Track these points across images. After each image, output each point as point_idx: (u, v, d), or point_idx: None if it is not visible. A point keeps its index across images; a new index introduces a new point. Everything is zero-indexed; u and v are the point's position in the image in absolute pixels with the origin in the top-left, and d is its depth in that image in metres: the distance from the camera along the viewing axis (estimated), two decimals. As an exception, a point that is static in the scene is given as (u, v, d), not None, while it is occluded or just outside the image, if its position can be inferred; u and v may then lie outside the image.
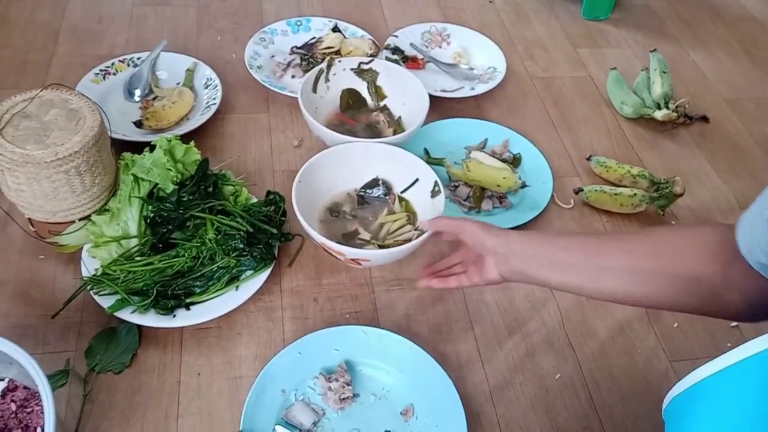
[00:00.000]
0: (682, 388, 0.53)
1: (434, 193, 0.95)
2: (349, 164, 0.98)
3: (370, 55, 1.24)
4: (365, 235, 0.95)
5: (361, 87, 1.15)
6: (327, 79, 1.12)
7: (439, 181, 0.94)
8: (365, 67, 1.14)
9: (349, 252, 0.85)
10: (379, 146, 0.99)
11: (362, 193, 0.99)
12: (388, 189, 1.00)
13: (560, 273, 0.72)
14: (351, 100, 1.14)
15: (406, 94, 1.12)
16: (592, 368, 0.88)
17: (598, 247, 0.71)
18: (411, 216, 0.98)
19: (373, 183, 1.00)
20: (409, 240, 0.92)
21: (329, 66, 1.12)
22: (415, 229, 0.95)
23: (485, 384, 0.85)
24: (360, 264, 0.89)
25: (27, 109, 0.84)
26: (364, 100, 1.15)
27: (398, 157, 0.98)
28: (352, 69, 1.14)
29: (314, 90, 1.10)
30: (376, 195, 1.00)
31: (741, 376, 0.48)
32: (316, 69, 1.10)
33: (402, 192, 0.99)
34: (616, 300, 0.71)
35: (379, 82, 1.14)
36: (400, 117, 1.12)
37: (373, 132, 1.11)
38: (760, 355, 0.47)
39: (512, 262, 0.76)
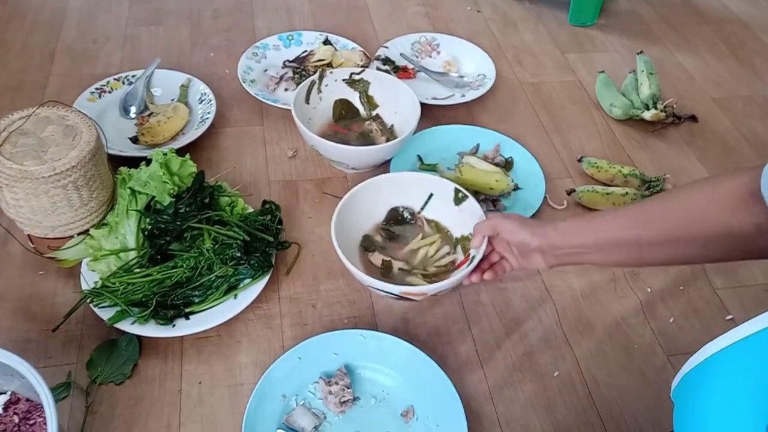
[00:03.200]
0: (692, 365, 0.53)
1: (459, 200, 0.94)
2: (362, 208, 0.95)
3: (362, 67, 1.26)
4: (399, 265, 0.93)
5: (354, 97, 1.17)
6: (319, 90, 1.14)
7: (460, 187, 0.94)
8: (356, 77, 1.16)
9: (412, 290, 0.83)
10: (383, 179, 0.96)
11: (387, 227, 0.97)
12: (412, 214, 0.99)
13: (603, 255, 0.77)
14: (344, 110, 1.16)
15: (397, 103, 1.13)
16: (590, 365, 0.89)
17: (631, 225, 0.74)
18: (445, 236, 0.97)
19: (394, 213, 0.98)
20: (453, 262, 0.93)
21: (321, 77, 1.13)
22: (455, 246, 0.95)
23: (484, 384, 0.85)
24: (414, 299, 0.88)
25: (24, 126, 0.86)
26: (356, 109, 1.17)
27: (404, 179, 0.98)
28: (343, 80, 1.15)
29: (307, 101, 1.12)
30: (402, 222, 0.98)
31: (752, 350, 0.48)
32: (308, 81, 1.12)
33: (419, 211, 0.98)
34: (661, 264, 0.81)
35: (370, 92, 1.16)
36: (392, 125, 1.14)
37: (366, 140, 1.12)
38: (763, 332, 0.47)
39: (558, 255, 0.79)
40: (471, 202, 0.93)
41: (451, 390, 0.81)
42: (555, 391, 0.86)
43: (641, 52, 1.30)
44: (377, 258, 0.94)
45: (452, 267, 0.93)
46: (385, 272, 0.92)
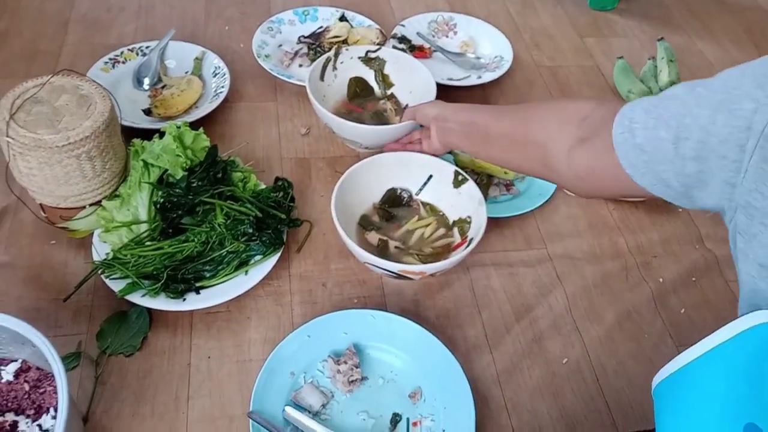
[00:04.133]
0: (667, 372, 0.54)
1: (458, 183, 0.95)
2: (362, 186, 0.96)
3: (377, 44, 1.25)
4: (395, 244, 0.94)
5: (369, 75, 1.15)
6: (334, 68, 1.12)
7: (460, 170, 0.95)
8: (372, 55, 1.14)
9: (407, 269, 0.84)
10: (384, 158, 0.98)
11: (383, 207, 0.98)
12: (410, 195, 1.00)
13: (468, 142, 0.88)
14: (358, 88, 1.15)
15: (413, 82, 1.12)
16: (599, 353, 0.88)
17: (491, 116, 0.85)
18: (440, 218, 0.98)
19: (391, 193, 0.99)
20: (449, 245, 0.94)
21: (336, 54, 1.12)
22: (450, 230, 0.96)
23: (493, 368, 0.85)
24: (412, 278, 0.89)
25: (38, 94, 0.85)
26: (371, 88, 1.16)
27: (406, 160, 0.98)
28: (359, 57, 1.14)
29: (321, 78, 1.11)
30: (399, 203, 0.99)
31: (725, 357, 0.49)
32: (324, 57, 1.11)
33: (417, 193, 0.99)
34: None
35: (386, 71, 1.15)
36: (407, 105, 1.12)
37: (380, 120, 1.11)
38: (740, 335, 0.48)
39: (445, 134, 0.90)
40: (470, 185, 0.94)
41: (460, 373, 0.80)
42: (563, 377, 0.86)
43: (662, 38, 1.27)
44: (374, 237, 0.94)
45: (449, 249, 0.94)
46: (381, 252, 0.93)
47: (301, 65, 1.24)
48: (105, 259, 0.86)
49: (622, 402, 0.84)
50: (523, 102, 1.23)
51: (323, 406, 0.78)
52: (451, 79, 1.23)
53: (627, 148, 0.61)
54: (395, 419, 0.79)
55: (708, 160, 0.54)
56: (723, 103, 0.53)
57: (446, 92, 1.18)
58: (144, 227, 0.89)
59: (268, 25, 1.28)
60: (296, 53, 1.25)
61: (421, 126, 0.99)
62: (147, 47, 1.19)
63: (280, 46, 1.26)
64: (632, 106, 0.62)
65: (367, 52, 1.14)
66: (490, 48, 1.32)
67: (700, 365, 0.50)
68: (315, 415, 0.78)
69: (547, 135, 0.73)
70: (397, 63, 1.14)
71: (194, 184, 0.91)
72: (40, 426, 0.71)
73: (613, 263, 0.99)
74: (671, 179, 0.58)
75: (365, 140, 1.05)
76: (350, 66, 1.14)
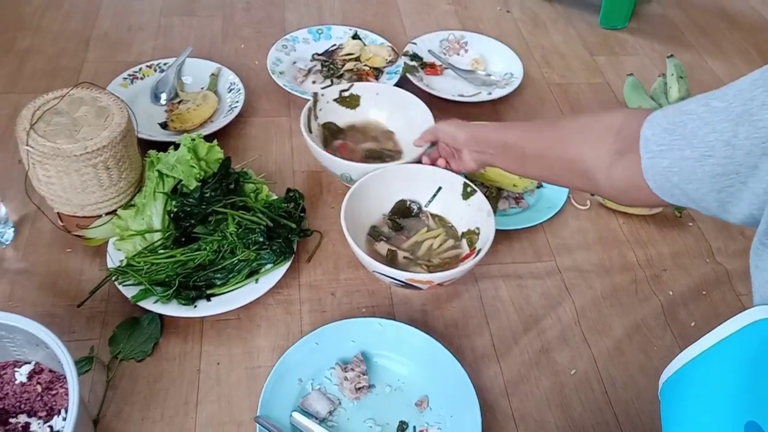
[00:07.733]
0: (672, 370, 0.54)
1: (467, 195, 0.96)
2: (372, 197, 0.97)
3: (389, 62, 1.27)
4: (404, 254, 0.95)
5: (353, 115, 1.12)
6: (316, 116, 1.09)
7: (468, 182, 0.96)
8: (346, 94, 1.11)
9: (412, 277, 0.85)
10: (393, 169, 0.98)
11: (393, 218, 0.99)
12: (419, 207, 1.00)
13: (503, 157, 0.87)
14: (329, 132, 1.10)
15: (405, 115, 1.10)
16: (608, 365, 0.88)
17: (523, 135, 0.85)
18: (449, 230, 0.98)
19: (401, 205, 1.00)
20: (458, 255, 0.95)
21: (315, 102, 1.08)
22: (459, 241, 0.97)
23: (500, 378, 0.85)
24: (420, 287, 0.89)
25: (58, 106, 0.88)
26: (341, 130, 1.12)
27: (415, 172, 0.99)
28: (334, 99, 1.10)
29: (309, 130, 1.06)
30: (408, 215, 1.00)
31: (721, 356, 0.50)
32: (306, 109, 1.06)
33: (427, 205, 1.00)
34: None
35: (367, 105, 1.12)
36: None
37: (376, 156, 1.08)
38: (741, 332, 0.49)
39: (478, 151, 0.90)
40: (479, 197, 0.95)
41: (467, 382, 0.81)
42: (571, 388, 0.85)
43: (671, 55, 1.28)
44: (383, 247, 0.95)
45: (457, 259, 0.94)
46: (390, 261, 0.93)
47: (314, 81, 1.26)
48: (119, 266, 0.88)
49: (631, 414, 0.83)
50: (537, 117, 1.25)
51: (330, 412, 0.79)
52: (461, 96, 1.24)
53: (655, 172, 0.61)
54: (402, 427, 0.79)
55: (738, 174, 0.54)
56: (742, 115, 0.52)
57: (457, 108, 1.20)
58: (158, 236, 0.91)
59: (283, 43, 1.31)
60: (310, 70, 1.28)
61: (432, 144, 0.99)
62: (165, 64, 1.22)
63: (294, 63, 1.29)
64: (652, 127, 0.62)
65: (341, 92, 1.11)
66: (500, 65, 1.33)
67: (702, 362, 0.50)
68: (322, 421, 0.78)
69: (584, 152, 0.73)
70: (378, 96, 1.11)
71: (207, 195, 0.93)
72: (51, 427, 0.72)
73: (623, 276, 0.99)
74: (703, 197, 0.58)
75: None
76: (330, 110, 1.10)
